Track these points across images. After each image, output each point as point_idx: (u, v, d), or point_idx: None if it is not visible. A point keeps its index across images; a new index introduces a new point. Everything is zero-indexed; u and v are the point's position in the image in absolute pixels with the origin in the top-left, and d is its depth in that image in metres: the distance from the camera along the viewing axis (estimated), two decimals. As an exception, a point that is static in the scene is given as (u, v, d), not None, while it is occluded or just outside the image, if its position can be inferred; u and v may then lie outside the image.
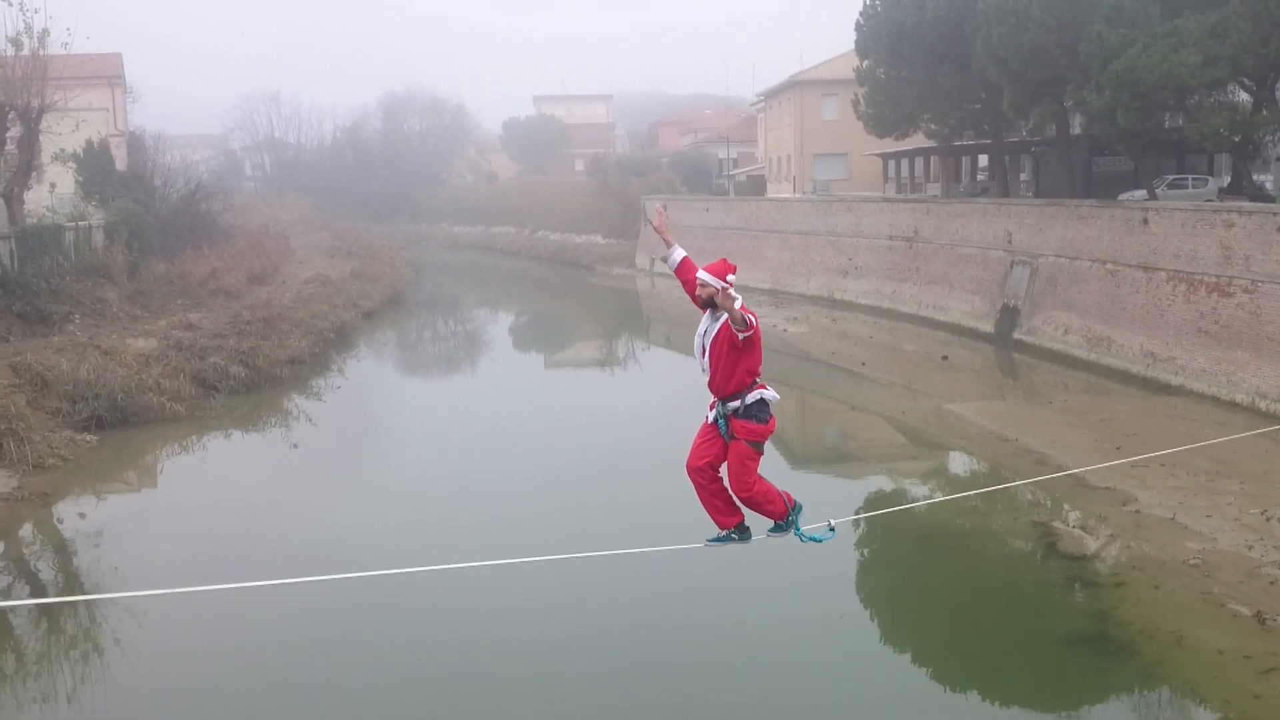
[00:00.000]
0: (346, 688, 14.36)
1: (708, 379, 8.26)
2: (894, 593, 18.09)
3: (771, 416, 8.31)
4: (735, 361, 8.10)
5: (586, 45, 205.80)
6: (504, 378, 40.16)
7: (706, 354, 8.19)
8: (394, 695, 14.07)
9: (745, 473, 8.24)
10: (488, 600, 16.45)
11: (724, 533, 8.53)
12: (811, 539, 8.50)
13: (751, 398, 8.21)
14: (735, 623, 16.14)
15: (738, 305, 7.79)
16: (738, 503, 8.45)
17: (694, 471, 8.37)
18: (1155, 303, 31.42)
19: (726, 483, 8.44)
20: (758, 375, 8.25)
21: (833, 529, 8.60)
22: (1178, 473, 21.42)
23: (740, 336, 7.92)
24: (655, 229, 8.43)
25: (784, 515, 8.43)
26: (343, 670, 14.82)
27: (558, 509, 21.42)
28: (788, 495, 8.44)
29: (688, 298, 8.21)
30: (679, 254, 8.36)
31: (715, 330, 8.12)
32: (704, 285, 8.02)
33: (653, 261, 69.10)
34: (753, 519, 8.48)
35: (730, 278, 7.98)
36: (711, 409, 8.35)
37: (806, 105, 66.99)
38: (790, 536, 8.50)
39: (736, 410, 8.20)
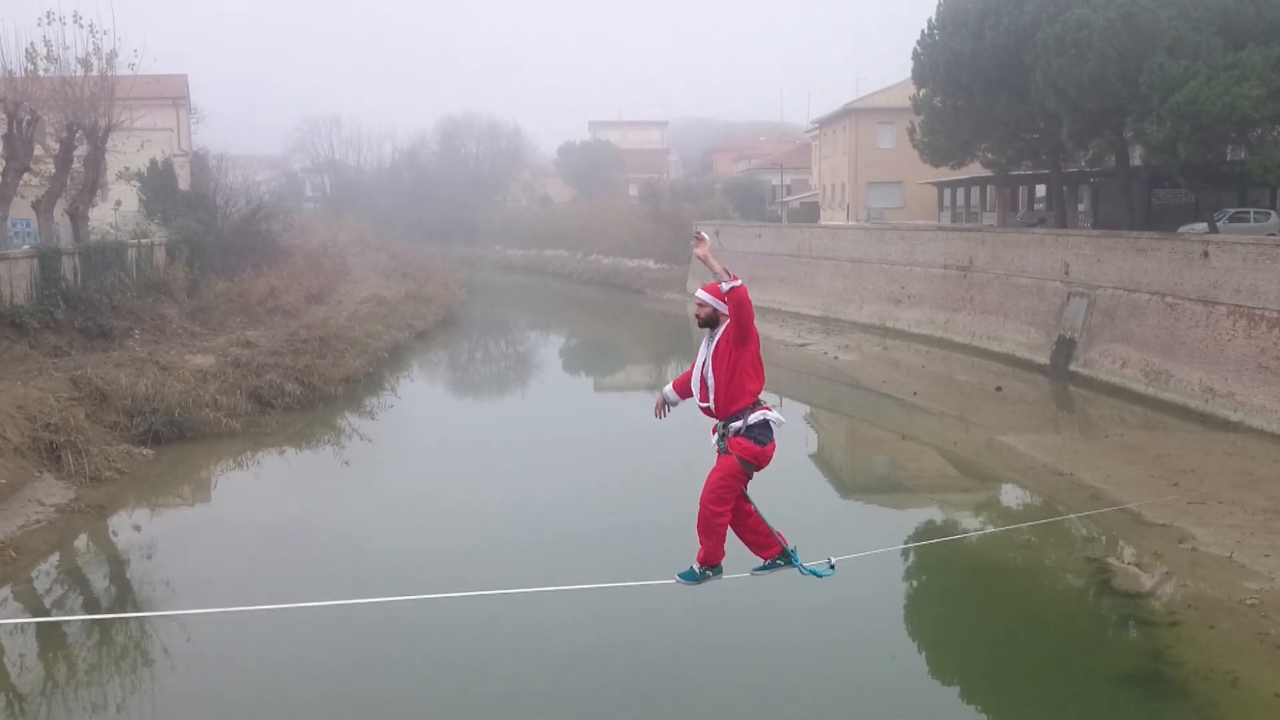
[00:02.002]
0: (389, 703, 14.42)
1: (712, 399, 8.10)
2: (944, 625, 17.87)
3: (772, 441, 8.14)
4: (735, 360, 7.98)
5: (643, 72, 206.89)
6: (554, 400, 40.27)
7: (709, 377, 8.09)
8: (434, 711, 14.12)
9: (722, 488, 8.07)
10: (531, 617, 16.48)
11: (767, 562, 8.45)
12: (812, 572, 8.38)
13: (754, 418, 8.05)
14: (779, 649, 16.03)
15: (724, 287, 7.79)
16: (774, 532, 8.36)
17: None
18: (1215, 337, 30.90)
19: (760, 513, 8.34)
20: (759, 393, 8.11)
21: (833, 567, 8.45)
22: (1235, 511, 21.01)
23: (725, 287, 7.75)
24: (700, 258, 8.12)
25: (704, 562, 8.24)
26: (386, 686, 14.88)
27: (604, 529, 21.44)
28: (720, 557, 8.24)
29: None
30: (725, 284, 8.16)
31: (716, 340, 8.07)
32: (702, 305, 8.13)
33: (705, 287, 68.98)
34: (811, 550, 8.35)
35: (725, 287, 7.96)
36: (714, 432, 8.22)
37: (862, 133, 66.89)
38: (690, 585, 8.32)
39: (738, 430, 8.07)
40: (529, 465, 27.50)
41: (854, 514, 24.10)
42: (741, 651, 16.02)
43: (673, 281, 74.04)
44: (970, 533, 21.11)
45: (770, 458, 8.15)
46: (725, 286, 7.80)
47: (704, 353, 8.17)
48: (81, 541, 21.05)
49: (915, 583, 19.51)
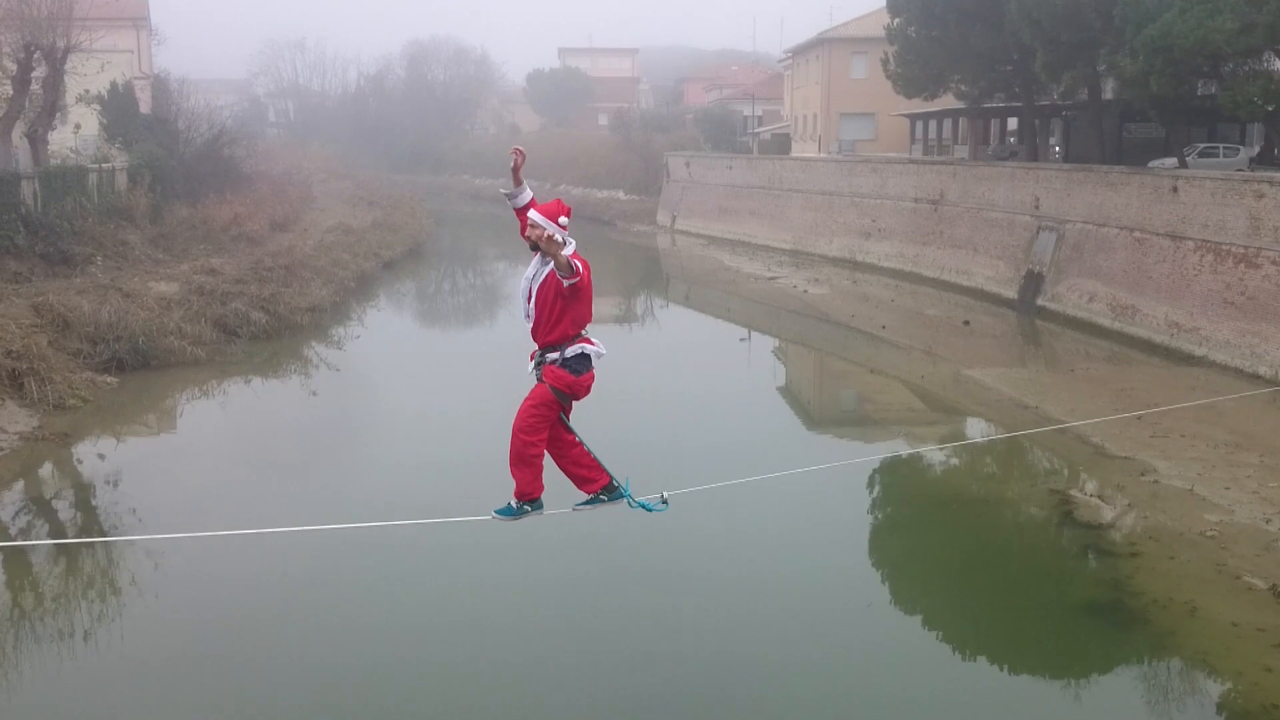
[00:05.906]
0: (357, 626, 14.47)
1: (531, 325, 7.96)
2: (908, 556, 18.07)
3: (589, 371, 7.95)
4: (562, 310, 7.80)
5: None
6: (522, 331, 40.07)
7: (532, 299, 7.88)
8: (405, 632, 14.18)
9: (533, 417, 7.89)
10: (486, 541, 16.54)
11: (591, 496, 8.26)
12: (642, 505, 8.16)
13: (572, 350, 7.90)
14: (739, 576, 16.18)
15: (566, 252, 7.50)
16: (602, 465, 8.19)
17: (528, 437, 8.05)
18: (1181, 272, 31.10)
19: (585, 444, 8.18)
20: (584, 327, 7.95)
21: (665, 502, 8.21)
22: (1197, 444, 21.29)
23: (565, 284, 7.60)
24: (513, 168, 7.99)
25: (521, 496, 8.07)
26: (354, 609, 14.92)
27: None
28: (539, 490, 8.04)
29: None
30: (527, 195, 8.12)
31: (544, 275, 7.80)
32: (534, 226, 7.69)
33: (674, 219, 68.80)
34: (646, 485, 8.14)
35: (563, 220, 7.70)
36: (532, 359, 8.06)
37: (835, 63, 66.27)
38: (508, 521, 8.14)
39: (555, 361, 7.91)
40: (495, 394, 27.39)
41: (821, 445, 24.23)
42: (707, 581, 16.14)
43: (643, 213, 73.61)
44: (885, 455, 21.26)
45: (588, 388, 7.96)
46: (567, 284, 7.62)
47: (533, 270, 7.92)
48: (46, 470, 20.90)
49: (879, 514, 19.69)
